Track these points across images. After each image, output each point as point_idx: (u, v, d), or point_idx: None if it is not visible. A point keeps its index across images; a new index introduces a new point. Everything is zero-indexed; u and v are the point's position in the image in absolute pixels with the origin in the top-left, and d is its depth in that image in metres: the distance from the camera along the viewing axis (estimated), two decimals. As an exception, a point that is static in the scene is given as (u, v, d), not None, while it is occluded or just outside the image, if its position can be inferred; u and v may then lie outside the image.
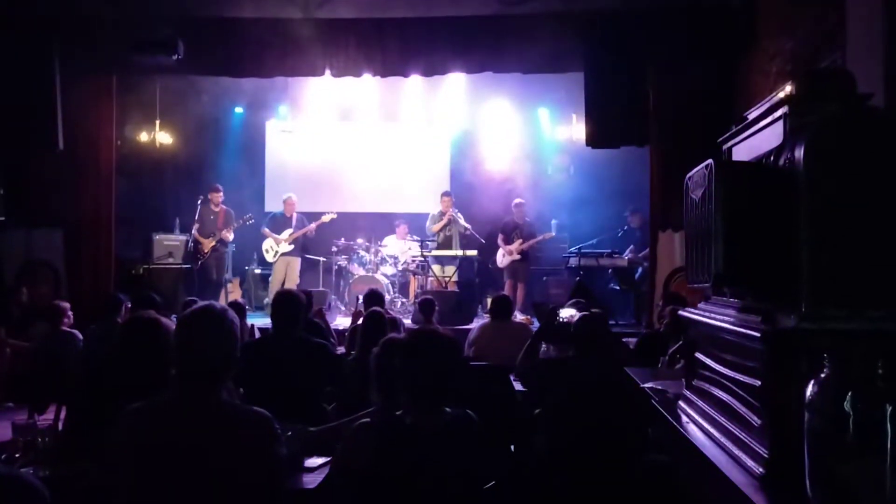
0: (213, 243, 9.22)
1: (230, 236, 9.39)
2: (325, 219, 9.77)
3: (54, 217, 8.23)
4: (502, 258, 9.57)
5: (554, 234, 10.17)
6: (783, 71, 6.08)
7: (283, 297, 4.22)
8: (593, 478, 3.54)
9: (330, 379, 4.06)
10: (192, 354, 2.12)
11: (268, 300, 9.52)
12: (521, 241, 9.43)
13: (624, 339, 5.78)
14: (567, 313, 4.44)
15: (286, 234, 9.66)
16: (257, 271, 10.53)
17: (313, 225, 9.71)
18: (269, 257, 9.74)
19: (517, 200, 9.82)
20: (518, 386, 4.72)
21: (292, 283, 9.43)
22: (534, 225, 9.72)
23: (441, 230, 9.75)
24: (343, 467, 2.42)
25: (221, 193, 9.46)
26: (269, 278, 9.93)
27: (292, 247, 9.67)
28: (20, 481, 1.47)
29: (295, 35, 8.12)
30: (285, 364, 3.83)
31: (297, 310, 4.07)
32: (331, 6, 8.13)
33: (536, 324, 7.28)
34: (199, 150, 11.13)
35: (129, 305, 5.72)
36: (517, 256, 9.42)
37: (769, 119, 2.05)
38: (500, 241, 9.62)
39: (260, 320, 7.76)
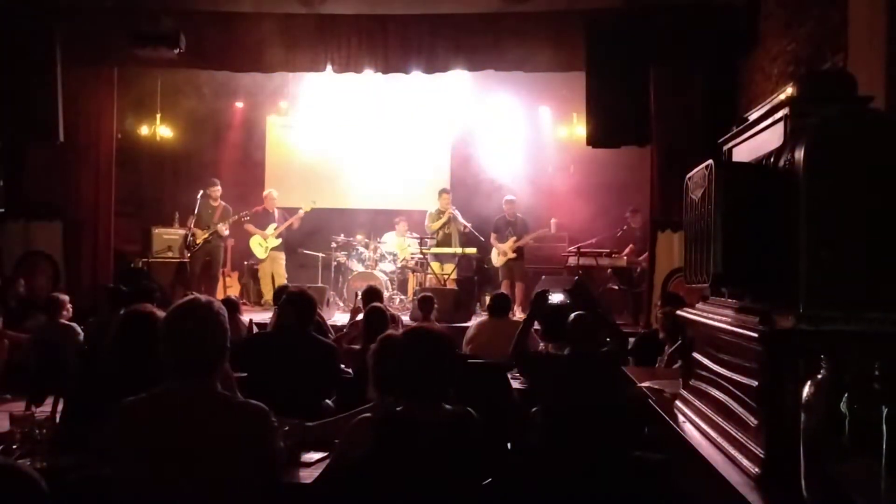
0: (206, 235, 9.21)
1: (225, 230, 9.36)
2: (306, 208, 9.75)
3: (53, 209, 8.23)
4: (497, 257, 9.55)
5: (552, 231, 10.17)
6: (785, 72, 6.08)
7: (296, 296, 4.22)
8: (589, 475, 3.55)
9: (333, 381, 4.08)
10: (179, 347, 2.12)
11: (265, 298, 9.54)
12: (514, 238, 9.39)
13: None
14: (557, 297, 4.45)
15: (271, 228, 9.67)
16: (256, 267, 10.53)
17: (300, 212, 9.72)
18: (261, 254, 9.73)
19: (508, 197, 9.76)
20: (515, 384, 4.73)
21: (281, 278, 9.47)
22: (527, 221, 9.66)
23: (440, 228, 9.74)
24: (342, 460, 2.43)
25: (219, 187, 9.45)
26: (258, 274, 9.94)
27: (279, 241, 9.70)
28: (17, 472, 1.47)
29: (297, 30, 8.13)
30: (292, 361, 3.83)
31: (309, 310, 4.09)
32: (333, 1, 8.13)
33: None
34: (200, 145, 11.13)
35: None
36: (513, 255, 9.40)
37: (770, 120, 2.05)
38: (493, 241, 9.56)
39: (258, 316, 7.76)
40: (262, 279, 9.66)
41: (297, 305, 4.08)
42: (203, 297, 2.26)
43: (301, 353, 3.90)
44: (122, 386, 2.32)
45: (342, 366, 4.47)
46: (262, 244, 9.67)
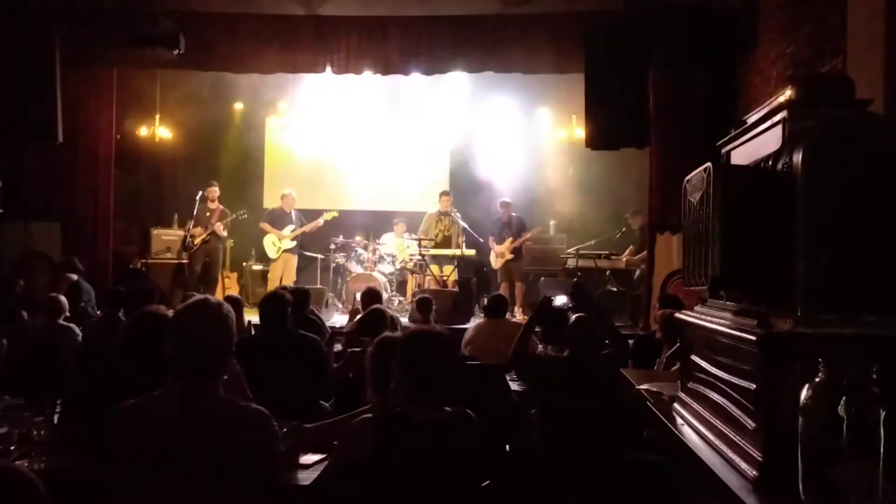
0: (204, 235, 9.21)
1: (222, 231, 9.34)
2: (328, 216, 9.75)
3: (53, 210, 8.24)
4: (495, 259, 9.56)
5: (548, 232, 10.17)
6: (784, 74, 6.09)
7: (268, 297, 4.34)
8: (587, 477, 3.55)
9: (323, 372, 4.08)
10: (185, 348, 2.10)
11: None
12: (511, 239, 9.41)
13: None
14: (561, 300, 4.45)
15: (288, 230, 9.63)
16: (255, 267, 10.52)
17: (320, 220, 9.70)
18: (272, 253, 9.69)
19: (503, 199, 9.78)
20: (514, 385, 4.73)
21: (290, 280, 9.42)
22: (523, 220, 9.67)
23: (439, 231, 9.74)
24: (342, 460, 2.43)
25: (217, 189, 9.44)
26: (268, 275, 9.90)
27: (294, 243, 9.67)
28: (15, 474, 1.47)
29: (296, 31, 8.14)
30: (276, 360, 3.84)
31: (282, 307, 4.12)
32: (333, 3, 8.15)
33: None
34: (199, 146, 11.13)
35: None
36: (510, 256, 9.41)
37: (768, 123, 2.05)
38: (490, 243, 9.59)
39: (257, 317, 7.75)
40: (272, 281, 9.60)
41: (270, 305, 4.13)
42: (213, 298, 2.25)
43: (285, 351, 3.92)
44: (125, 387, 2.31)
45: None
46: (276, 244, 9.64)
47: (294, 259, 9.75)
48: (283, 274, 9.57)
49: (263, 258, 10.06)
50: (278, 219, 9.73)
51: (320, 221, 9.70)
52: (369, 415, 2.52)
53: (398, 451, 2.32)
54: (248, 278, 10.56)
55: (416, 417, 2.37)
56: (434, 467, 2.33)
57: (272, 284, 9.48)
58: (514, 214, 9.62)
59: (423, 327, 2.69)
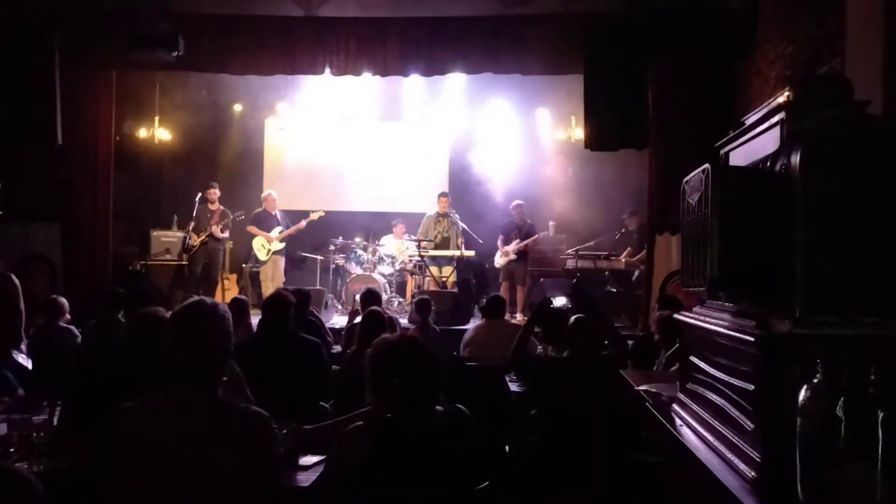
0: (203, 237, 9.21)
1: (220, 233, 9.32)
2: (314, 216, 9.74)
3: (52, 212, 8.23)
4: (499, 258, 9.57)
5: (548, 233, 10.18)
6: (782, 75, 6.09)
7: (270, 298, 4.33)
8: (586, 478, 3.55)
9: (323, 376, 4.08)
10: (182, 350, 2.10)
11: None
12: (518, 241, 9.43)
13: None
14: (560, 301, 4.46)
15: (276, 231, 9.63)
16: (255, 269, 10.52)
17: (302, 223, 9.69)
18: (262, 256, 9.67)
19: (516, 202, 9.80)
20: (513, 386, 4.73)
21: (279, 282, 9.43)
22: (534, 226, 9.71)
23: (438, 232, 9.74)
24: (335, 471, 2.42)
25: (217, 190, 9.44)
26: (259, 276, 9.89)
27: (282, 245, 9.67)
28: (14, 475, 1.47)
29: (295, 33, 8.14)
30: (278, 362, 3.84)
31: (284, 309, 4.11)
32: (331, 4, 8.15)
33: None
34: (198, 147, 11.13)
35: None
36: (513, 257, 9.41)
37: (766, 124, 2.06)
38: (499, 243, 9.62)
39: (257, 319, 7.75)
40: (264, 282, 9.62)
41: (273, 306, 4.12)
42: (209, 300, 2.25)
43: (286, 353, 3.92)
44: (125, 389, 2.31)
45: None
46: (266, 246, 9.63)
47: (282, 261, 9.75)
48: (273, 276, 9.58)
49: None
50: (264, 221, 9.71)
51: (303, 224, 9.67)
52: (360, 422, 2.51)
53: (392, 458, 2.32)
54: (247, 280, 10.56)
55: (407, 423, 2.36)
56: (428, 472, 2.32)
57: (265, 286, 9.49)
58: (528, 220, 9.66)
59: (396, 337, 2.67)
